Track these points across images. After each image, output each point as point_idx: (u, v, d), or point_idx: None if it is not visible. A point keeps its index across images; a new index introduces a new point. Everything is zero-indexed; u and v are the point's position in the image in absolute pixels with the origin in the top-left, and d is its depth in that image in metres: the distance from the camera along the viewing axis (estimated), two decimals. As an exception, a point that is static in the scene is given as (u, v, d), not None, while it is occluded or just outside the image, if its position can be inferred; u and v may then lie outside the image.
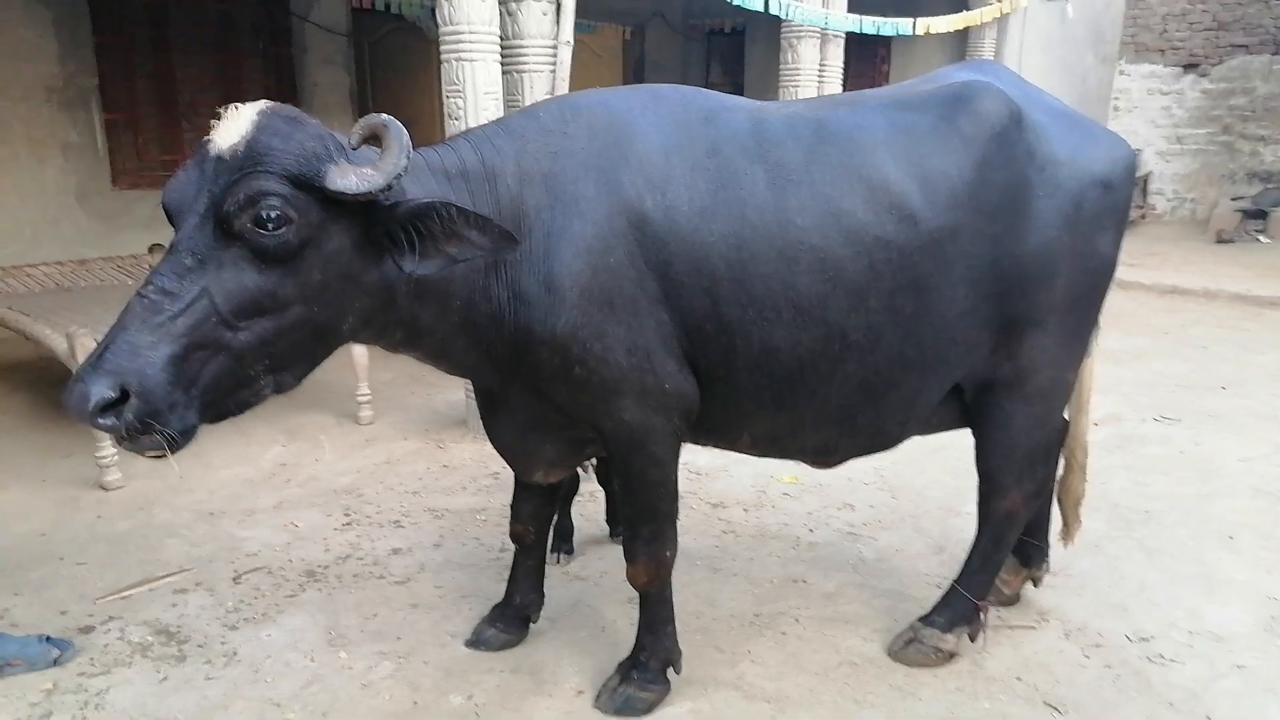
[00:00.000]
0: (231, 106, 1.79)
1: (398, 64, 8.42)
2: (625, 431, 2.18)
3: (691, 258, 2.10)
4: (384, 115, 1.83)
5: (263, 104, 1.81)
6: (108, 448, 3.87)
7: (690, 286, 2.11)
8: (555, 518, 3.05)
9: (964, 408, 2.53)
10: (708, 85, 11.20)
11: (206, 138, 1.78)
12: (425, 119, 8.59)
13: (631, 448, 2.22)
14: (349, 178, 1.75)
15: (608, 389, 2.12)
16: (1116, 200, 2.35)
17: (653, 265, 2.08)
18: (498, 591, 3.01)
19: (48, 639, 2.68)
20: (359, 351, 4.67)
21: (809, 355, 2.19)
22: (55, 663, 2.65)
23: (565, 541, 3.35)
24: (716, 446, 2.52)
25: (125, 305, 1.72)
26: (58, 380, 4.95)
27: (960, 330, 2.30)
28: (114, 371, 1.62)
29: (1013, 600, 3.00)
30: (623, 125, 2.15)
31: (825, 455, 2.52)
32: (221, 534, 3.52)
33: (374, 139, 1.83)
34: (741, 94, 10.78)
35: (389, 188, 1.78)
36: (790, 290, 2.13)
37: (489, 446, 4.34)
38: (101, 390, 1.60)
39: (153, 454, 1.71)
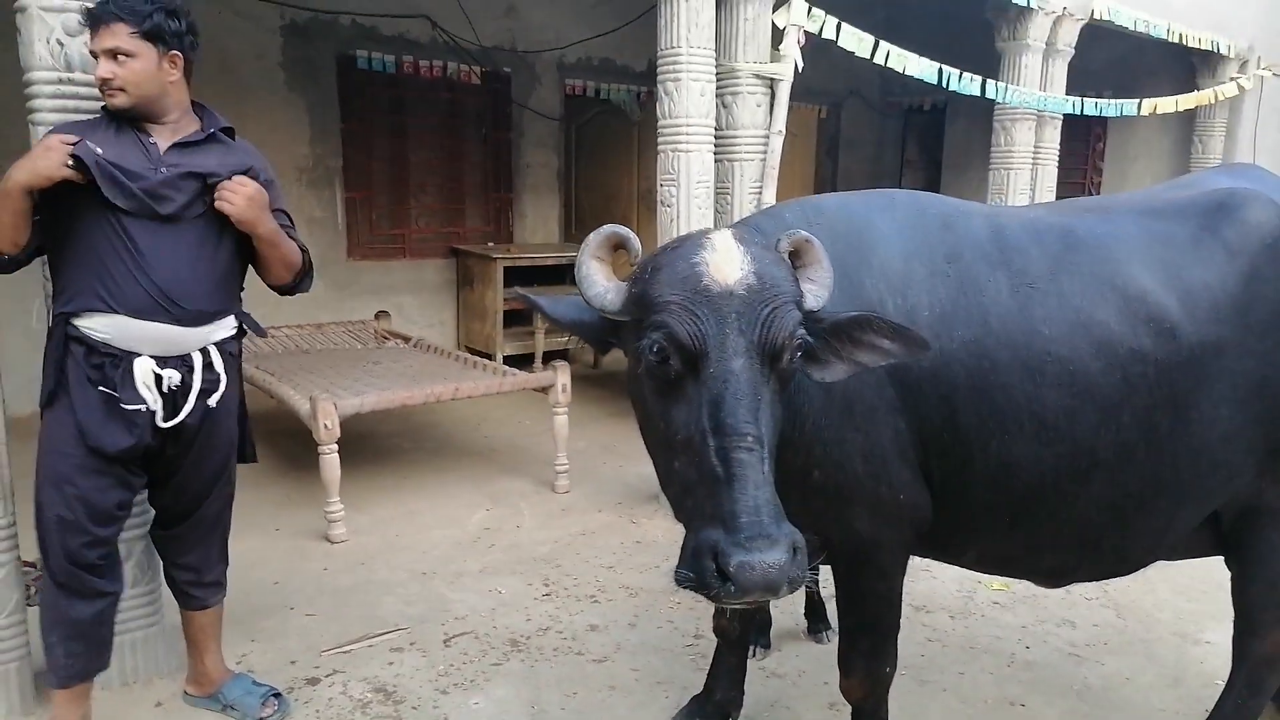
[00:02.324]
0: (708, 240, 1.76)
1: (600, 144, 8.84)
2: (855, 541, 2.13)
3: (931, 364, 2.04)
4: (803, 231, 1.89)
5: (728, 232, 1.80)
6: (335, 503, 4.18)
7: (928, 394, 2.06)
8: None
9: (1219, 535, 2.31)
10: (903, 162, 11.17)
11: (696, 273, 1.70)
12: (624, 195, 8.96)
13: (859, 558, 2.17)
14: (810, 298, 1.82)
15: (842, 496, 2.08)
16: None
17: (891, 371, 2.05)
18: (692, 680, 2.99)
19: (275, 694, 2.86)
20: (560, 422, 4.85)
21: (1051, 473, 2.08)
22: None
23: (763, 635, 3.29)
24: (940, 560, 2.41)
25: (734, 459, 1.60)
26: (293, 434, 5.42)
27: (1222, 453, 2.11)
28: (790, 534, 1.55)
29: (1269, 753, 2.68)
30: (863, 228, 2.15)
31: (1059, 577, 2.36)
32: (433, 594, 3.70)
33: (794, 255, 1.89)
34: (939, 171, 10.60)
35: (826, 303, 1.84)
36: (1034, 403, 2.04)
37: (679, 525, 4.42)
38: (788, 559, 1.52)
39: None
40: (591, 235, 1.87)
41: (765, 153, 4.40)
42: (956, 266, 2.12)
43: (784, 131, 4.42)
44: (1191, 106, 7.20)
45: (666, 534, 4.35)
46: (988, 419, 2.07)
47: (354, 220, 7.31)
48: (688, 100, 4.07)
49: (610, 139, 8.87)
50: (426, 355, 5.75)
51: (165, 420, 2.47)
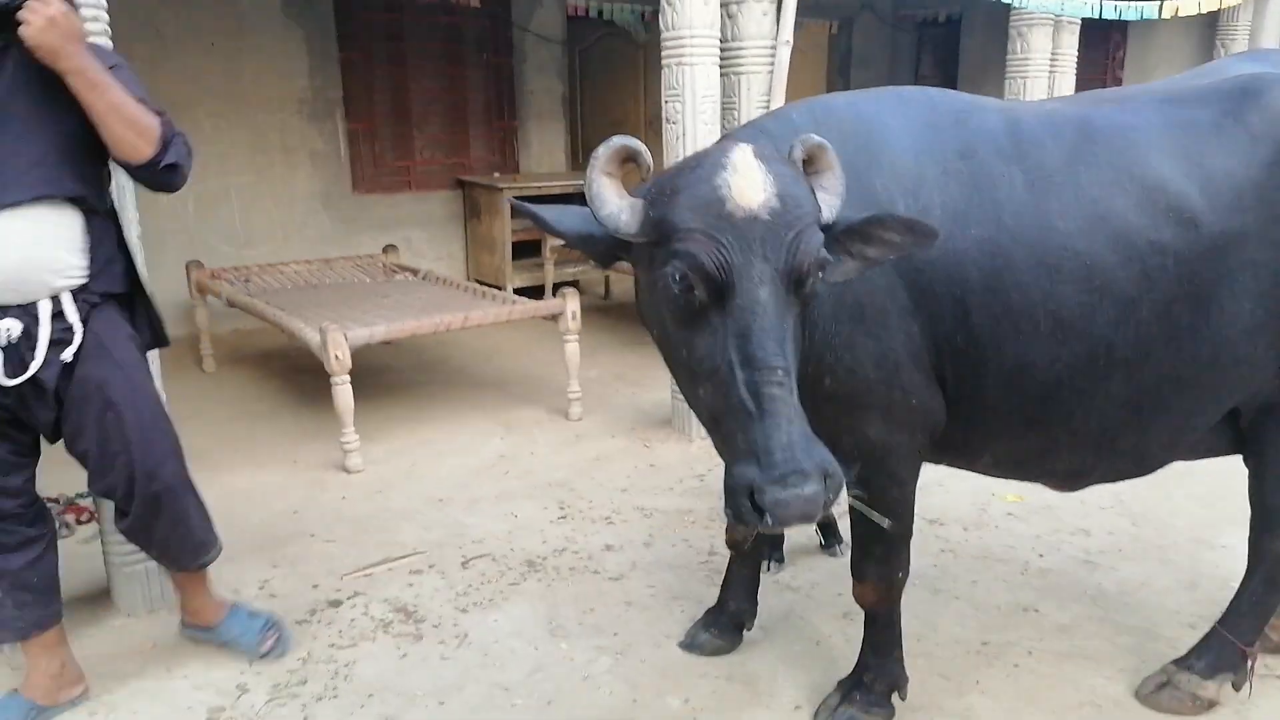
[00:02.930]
0: (728, 159, 1.68)
1: (605, 69, 8.65)
2: (867, 447, 2.11)
3: (943, 265, 1.99)
4: (817, 137, 1.82)
5: (749, 148, 1.71)
6: (350, 433, 4.20)
7: (941, 296, 2.01)
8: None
9: (1239, 433, 2.28)
10: (917, 78, 10.88)
11: (719, 196, 1.63)
12: (631, 121, 8.81)
13: (872, 464, 2.14)
14: (825, 209, 1.76)
15: (854, 402, 2.05)
16: None
17: (903, 273, 2.00)
18: (708, 594, 3.01)
19: (271, 625, 2.80)
20: (571, 350, 4.83)
21: (1068, 372, 2.03)
22: (263, 656, 2.75)
23: (776, 549, 3.30)
24: (954, 466, 2.39)
25: (765, 394, 1.58)
26: (307, 369, 5.45)
27: (1244, 348, 2.06)
28: (820, 466, 1.54)
29: (1281, 649, 2.68)
30: (873, 128, 2.08)
31: (1075, 479, 2.34)
32: (450, 520, 3.73)
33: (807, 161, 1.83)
34: (955, 87, 10.35)
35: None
36: (1050, 300, 1.99)
37: (693, 448, 4.43)
38: (822, 490, 1.53)
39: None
40: (600, 148, 1.77)
41: (772, 64, 4.28)
42: (970, 163, 2.05)
43: (791, 42, 4.28)
44: (1214, 9, 6.92)
45: (679, 457, 4.35)
46: (1002, 319, 2.02)
47: (357, 153, 7.22)
48: (691, 10, 3.94)
49: (615, 63, 8.68)
50: (435, 287, 5.72)
51: (9, 377, 2.20)
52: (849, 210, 1.87)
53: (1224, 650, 2.43)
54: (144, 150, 2.18)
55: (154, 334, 2.58)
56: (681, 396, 4.53)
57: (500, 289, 6.59)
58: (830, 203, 1.79)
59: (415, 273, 6.16)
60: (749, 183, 1.64)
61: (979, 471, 2.40)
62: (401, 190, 7.50)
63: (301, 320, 4.57)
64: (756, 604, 2.84)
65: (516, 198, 7.13)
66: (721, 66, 4.17)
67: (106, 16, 2.63)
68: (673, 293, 1.66)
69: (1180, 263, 1.98)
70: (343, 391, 4.14)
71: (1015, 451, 2.24)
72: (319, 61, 6.90)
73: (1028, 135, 2.07)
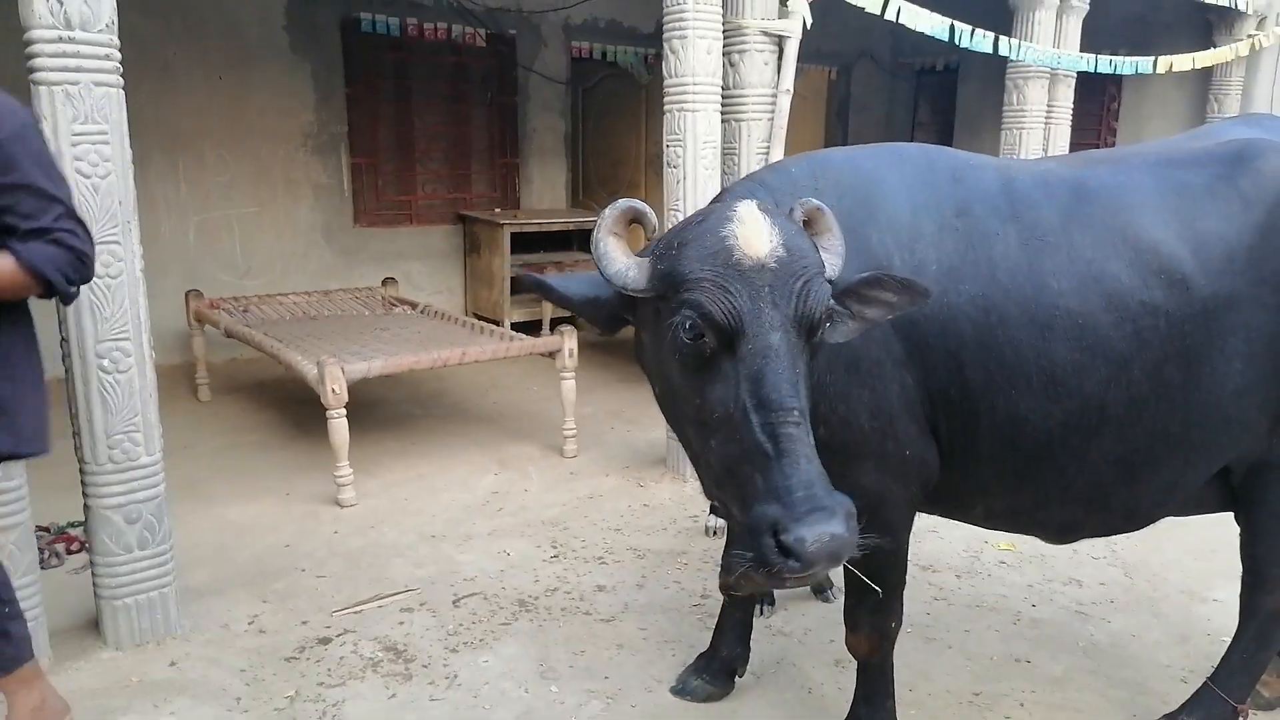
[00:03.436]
0: (733, 213, 1.73)
1: (607, 109, 8.75)
2: (861, 497, 2.12)
3: (938, 319, 2.03)
4: (816, 200, 1.87)
5: (751, 204, 1.76)
6: (345, 467, 4.20)
7: (935, 349, 2.04)
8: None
9: (1229, 490, 2.30)
10: (915, 125, 11.03)
11: (731, 248, 1.67)
12: (631, 160, 8.87)
13: (865, 514, 2.15)
14: (828, 267, 1.80)
15: (849, 452, 2.07)
16: None
17: (898, 326, 2.03)
18: (699, 639, 3.01)
19: None
20: (567, 387, 4.85)
21: (1060, 428, 2.06)
22: None
23: (768, 595, 3.30)
24: (947, 516, 2.41)
25: (782, 434, 1.60)
26: (301, 400, 5.45)
27: (1234, 409, 2.09)
28: (843, 508, 1.57)
29: (1273, 705, 2.68)
30: (871, 183, 2.12)
31: (1066, 533, 2.35)
32: (442, 556, 3.72)
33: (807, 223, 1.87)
34: (951, 133, 10.49)
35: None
36: (1043, 357, 2.02)
37: (688, 488, 4.44)
38: (847, 529, 1.56)
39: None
40: (607, 210, 1.81)
41: (773, 112, 4.35)
42: (965, 220, 2.09)
43: (792, 90, 4.36)
44: (1209, 64, 7.07)
45: (673, 497, 4.36)
46: (995, 374, 2.05)
47: (360, 187, 7.28)
48: (694, 58, 4.01)
49: (617, 103, 8.77)
50: (434, 321, 5.74)
51: None
52: (846, 265, 1.90)
53: (1215, 706, 2.43)
54: (34, 292, 2.10)
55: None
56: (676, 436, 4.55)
57: (498, 324, 6.62)
58: (833, 261, 1.82)
59: (414, 306, 6.19)
60: (755, 233, 1.68)
61: (972, 523, 2.42)
62: (403, 224, 7.56)
63: (299, 353, 4.58)
64: (749, 649, 2.83)
65: (516, 233, 7.26)
66: (723, 113, 4.24)
67: (119, 55, 2.67)
68: (682, 342, 1.68)
69: (1172, 324, 2.01)
70: (338, 425, 4.14)
71: (1007, 504, 2.26)
72: (325, 96, 6.97)
73: (1023, 195, 2.11)
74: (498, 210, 7.81)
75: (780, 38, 4.31)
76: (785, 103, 4.36)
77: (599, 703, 2.75)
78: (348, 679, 2.87)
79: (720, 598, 2.84)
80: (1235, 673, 2.44)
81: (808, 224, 1.86)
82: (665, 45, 4.09)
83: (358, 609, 3.29)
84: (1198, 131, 2.39)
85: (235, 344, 5.69)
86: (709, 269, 1.66)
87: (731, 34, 4.22)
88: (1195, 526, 3.00)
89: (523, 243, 7.44)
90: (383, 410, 5.72)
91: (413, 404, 5.92)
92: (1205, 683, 2.49)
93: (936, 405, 2.11)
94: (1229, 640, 2.51)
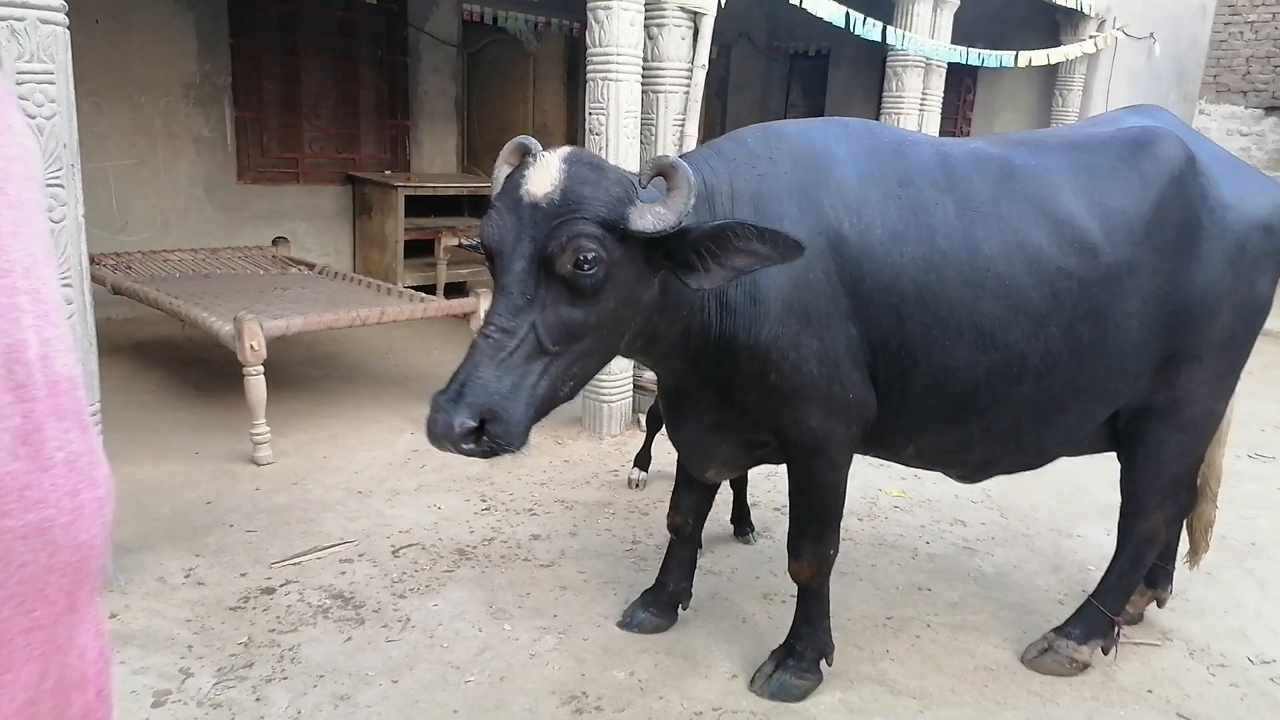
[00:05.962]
0: (540, 153, 2.03)
1: (494, 75, 8.72)
2: (808, 437, 2.37)
3: (882, 277, 2.28)
4: (671, 156, 2.03)
5: (567, 151, 2.00)
6: (262, 425, 4.14)
7: (879, 304, 2.30)
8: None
9: (1115, 432, 2.69)
10: (787, 106, 11.50)
11: (518, 182, 1.97)
12: (519, 127, 8.90)
13: (811, 452, 2.41)
14: (647, 218, 1.96)
15: (798, 395, 2.31)
16: (1276, 244, 2.50)
17: (846, 282, 2.28)
18: (638, 580, 3.22)
19: None
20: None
21: (986, 376, 2.37)
22: None
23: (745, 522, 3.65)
24: (880, 457, 2.70)
25: (472, 343, 1.95)
26: (191, 359, 5.30)
27: (1131, 360, 2.46)
28: (474, 404, 1.84)
29: (1136, 619, 3.13)
30: (822, 153, 2.35)
31: (984, 469, 2.69)
32: (373, 511, 3.77)
33: (660, 175, 2.03)
34: (822, 115, 10.98)
35: (679, 223, 1.97)
36: (974, 313, 2.31)
37: (604, 445, 4.62)
38: (465, 420, 1.83)
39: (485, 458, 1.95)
40: (506, 144, 2.20)
41: (689, 86, 4.55)
42: (907, 190, 2.35)
43: (706, 66, 4.57)
44: (1060, 60, 7.77)
45: (591, 454, 4.54)
46: (932, 327, 2.33)
47: (244, 141, 7.02)
48: (618, 29, 4.15)
49: (506, 69, 8.76)
50: (335, 282, 5.67)
51: None
52: (800, 225, 2.15)
53: (1095, 620, 2.83)
54: None
55: None
56: (592, 396, 4.73)
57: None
58: (662, 214, 1.96)
59: (311, 267, 6.07)
60: (540, 176, 1.98)
61: (901, 462, 2.72)
62: (289, 182, 7.34)
63: (204, 310, 4.46)
64: (692, 585, 3.06)
65: (411, 196, 7.20)
66: (642, 85, 4.40)
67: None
68: (479, 251, 2.11)
69: (1083, 286, 2.35)
70: (256, 382, 4.09)
71: (936, 444, 2.57)
72: (208, 46, 6.68)
73: (958, 169, 2.39)
74: (389, 172, 7.70)
75: (696, 14, 4.50)
76: (700, 77, 4.57)
77: (552, 637, 2.92)
78: (299, 625, 2.91)
79: (650, 542, 3.04)
80: (1112, 590, 2.85)
81: (661, 178, 2.04)
82: (590, 15, 4.21)
83: (296, 561, 3.31)
84: (1098, 118, 2.74)
85: (111, 302, 5.42)
86: (499, 200, 2.00)
87: (652, 7, 4.38)
88: (1057, 475, 3.45)
89: (415, 206, 7.38)
90: (280, 371, 5.60)
91: (310, 365, 5.82)
92: (1087, 599, 2.89)
93: (878, 354, 2.37)
94: (1095, 569, 2.92)
